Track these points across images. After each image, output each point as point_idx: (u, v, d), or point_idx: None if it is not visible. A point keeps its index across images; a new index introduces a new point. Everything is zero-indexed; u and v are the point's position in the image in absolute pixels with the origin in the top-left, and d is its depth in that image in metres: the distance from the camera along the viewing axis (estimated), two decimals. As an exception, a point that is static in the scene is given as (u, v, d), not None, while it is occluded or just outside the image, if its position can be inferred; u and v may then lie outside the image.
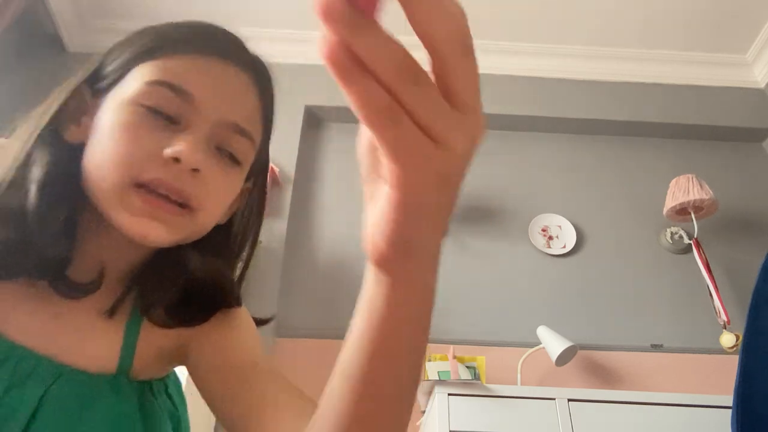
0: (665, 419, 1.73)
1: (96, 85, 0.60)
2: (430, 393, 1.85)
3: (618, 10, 2.85)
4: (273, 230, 2.42)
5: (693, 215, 2.45)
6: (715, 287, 2.27)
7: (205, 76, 0.58)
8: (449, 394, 1.75)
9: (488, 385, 1.79)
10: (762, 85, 3.01)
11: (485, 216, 2.64)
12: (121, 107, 0.55)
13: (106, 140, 0.54)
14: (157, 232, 0.54)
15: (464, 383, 1.81)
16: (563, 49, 3.01)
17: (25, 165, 0.54)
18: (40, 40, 2.92)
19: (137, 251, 0.60)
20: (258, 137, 0.63)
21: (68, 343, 0.54)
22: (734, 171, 2.83)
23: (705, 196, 2.39)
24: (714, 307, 2.25)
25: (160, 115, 0.55)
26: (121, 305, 0.59)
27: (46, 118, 0.56)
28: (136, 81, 0.56)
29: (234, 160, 0.59)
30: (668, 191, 2.50)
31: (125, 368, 0.57)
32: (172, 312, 0.60)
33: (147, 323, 0.60)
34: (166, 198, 0.54)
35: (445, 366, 2.05)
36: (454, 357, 2.08)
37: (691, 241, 2.45)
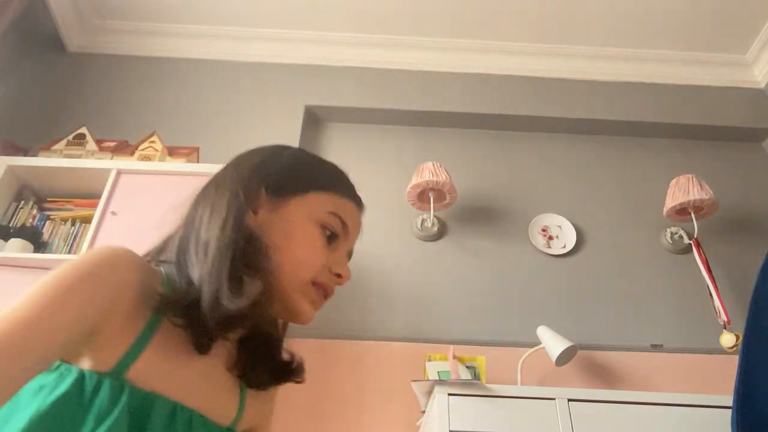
0: (665, 419, 1.73)
1: (271, 186, 0.76)
2: (430, 393, 1.85)
3: (618, 10, 2.85)
4: (273, 230, 2.42)
5: (693, 215, 2.45)
6: (715, 287, 2.27)
7: (353, 218, 0.83)
8: (449, 394, 1.75)
9: (488, 385, 1.79)
10: (762, 85, 3.01)
11: (485, 216, 2.64)
12: (312, 225, 0.76)
13: (305, 247, 0.75)
14: (312, 316, 0.77)
15: (464, 383, 1.81)
16: (563, 49, 3.01)
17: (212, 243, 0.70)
18: (40, 40, 2.92)
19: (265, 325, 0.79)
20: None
21: (211, 401, 0.70)
22: (734, 171, 2.83)
23: (705, 196, 2.39)
24: (714, 307, 2.25)
25: (331, 237, 0.77)
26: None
27: (233, 203, 0.73)
28: (320, 206, 0.77)
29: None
30: (668, 191, 2.50)
31: (237, 422, 0.75)
32: (271, 374, 0.80)
33: (249, 391, 0.78)
34: (326, 296, 0.78)
35: (445, 366, 2.05)
36: (454, 357, 2.08)
37: (691, 241, 2.45)
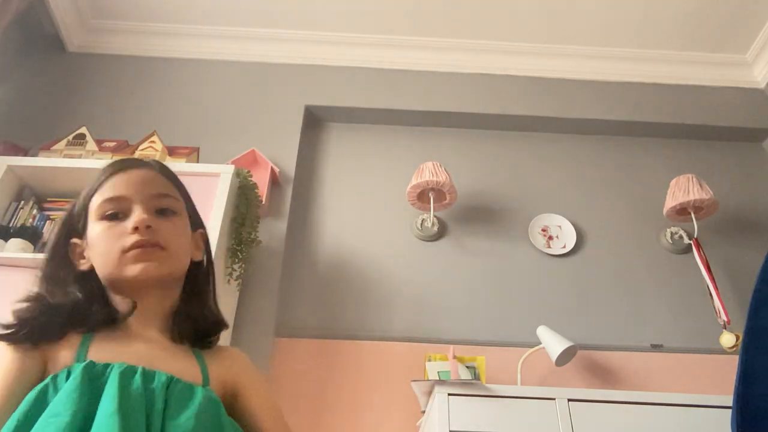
0: (665, 419, 1.73)
1: (77, 231, 0.90)
2: (430, 393, 1.85)
3: (618, 10, 2.85)
4: (273, 230, 2.42)
5: (693, 215, 2.46)
6: (715, 287, 2.27)
7: (128, 181, 0.90)
8: (449, 394, 1.75)
9: (488, 385, 1.79)
10: (762, 85, 3.01)
11: (485, 216, 2.64)
12: (93, 226, 0.87)
13: (98, 248, 0.86)
14: (152, 268, 0.85)
15: (464, 383, 1.81)
16: (563, 49, 3.01)
17: (69, 292, 0.85)
18: (40, 40, 2.92)
19: (159, 291, 0.88)
20: (180, 197, 0.95)
21: (166, 362, 0.82)
22: (734, 171, 2.83)
23: (705, 196, 2.39)
24: (714, 307, 2.25)
25: (116, 216, 0.87)
26: (179, 341, 0.89)
27: (66, 270, 0.88)
28: (93, 208, 0.89)
29: (172, 212, 0.91)
30: (668, 191, 2.50)
31: (206, 382, 0.85)
32: (193, 340, 0.91)
33: (206, 356, 0.89)
34: (146, 247, 0.85)
35: (445, 366, 2.05)
36: (454, 357, 2.08)
37: (691, 241, 2.45)
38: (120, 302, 0.86)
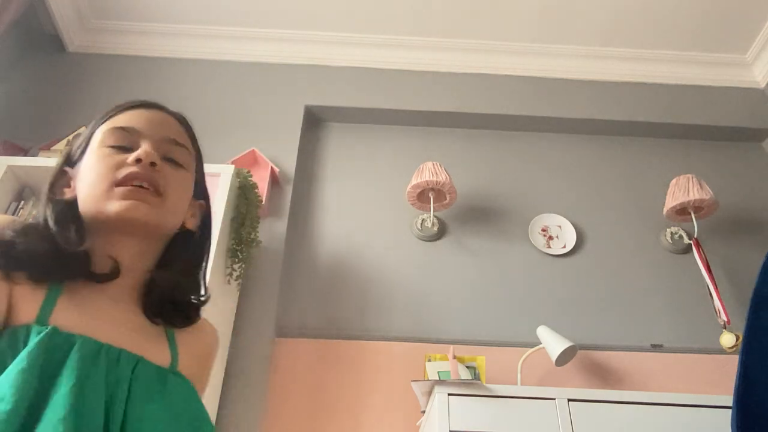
0: (665, 419, 1.73)
1: (72, 160, 0.83)
2: (430, 393, 1.85)
3: (618, 10, 2.85)
4: (273, 230, 2.42)
5: (693, 215, 2.46)
6: (715, 287, 2.27)
7: (144, 117, 0.83)
8: (449, 394, 1.75)
9: (488, 385, 1.79)
10: (762, 85, 3.01)
11: (485, 216, 2.64)
12: (91, 154, 0.79)
13: (88, 173, 0.78)
14: (140, 209, 0.75)
15: (464, 383, 1.81)
16: (563, 49, 3.01)
17: (44, 219, 0.77)
18: (40, 40, 2.92)
19: (138, 244, 0.79)
20: (192, 152, 0.87)
21: (133, 340, 0.74)
22: (734, 171, 2.83)
23: (705, 196, 2.39)
24: (714, 307, 2.25)
25: (120, 148, 0.79)
26: (152, 315, 0.80)
27: (47, 194, 0.79)
28: (100, 135, 0.81)
29: (179, 164, 0.83)
30: (668, 191, 2.50)
31: (175, 365, 0.78)
32: (164, 316, 0.81)
33: (178, 334, 0.82)
34: (140, 186, 0.76)
35: (445, 366, 2.05)
36: (454, 357, 2.08)
37: (691, 241, 2.45)
38: (98, 256, 0.75)
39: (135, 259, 0.79)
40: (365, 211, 2.61)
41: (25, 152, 2.41)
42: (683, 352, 2.28)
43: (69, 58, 2.96)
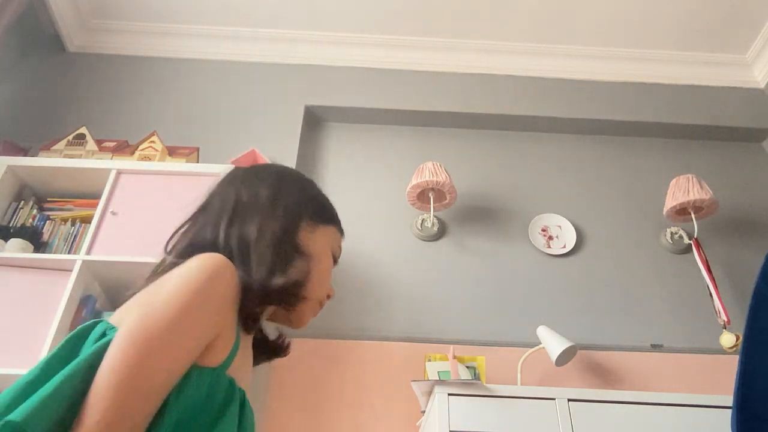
0: (665, 419, 1.73)
1: (309, 214, 0.96)
2: (430, 393, 1.85)
3: (618, 10, 2.85)
4: (273, 230, 2.42)
5: (693, 215, 2.45)
6: (715, 287, 2.27)
7: (341, 249, 1.03)
8: (449, 394, 1.75)
9: (488, 385, 1.79)
10: (762, 85, 3.01)
11: (485, 216, 2.64)
12: (328, 253, 0.98)
13: (326, 272, 0.96)
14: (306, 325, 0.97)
15: (464, 383, 1.81)
16: (563, 49, 3.01)
17: (276, 258, 0.88)
18: (40, 40, 2.92)
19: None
20: None
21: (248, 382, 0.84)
22: (734, 171, 2.83)
23: (705, 196, 2.39)
24: (714, 307, 2.25)
25: (333, 261, 0.99)
26: None
27: (291, 237, 0.92)
28: (333, 239, 1.00)
29: None
30: (668, 191, 2.50)
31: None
32: (267, 353, 1.00)
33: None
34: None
35: (445, 366, 2.05)
36: (454, 357, 2.08)
37: (691, 241, 2.45)
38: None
39: None
40: (365, 211, 2.60)
41: (25, 152, 2.41)
42: (683, 352, 2.28)
43: (69, 58, 2.96)
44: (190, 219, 0.91)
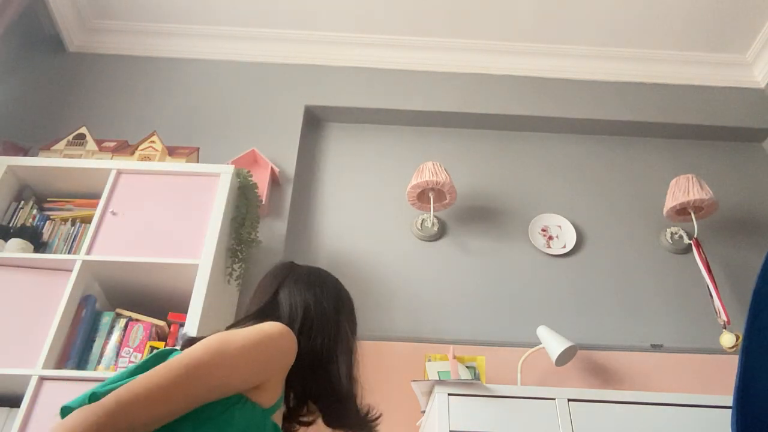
0: (665, 419, 1.73)
1: (351, 326, 1.25)
2: (430, 393, 1.85)
3: (618, 10, 2.85)
4: (273, 230, 2.42)
5: (693, 215, 2.46)
6: (715, 287, 2.27)
7: None
8: (449, 394, 1.75)
9: (488, 385, 1.79)
10: (762, 85, 3.01)
11: (485, 216, 2.64)
12: (357, 364, 1.23)
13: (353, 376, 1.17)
14: None
15: (464, 383, 1.81)
16: (563, 49, 3.01)
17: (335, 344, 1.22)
18: (40, 40, 2.92)
19: None
20: None
21: None
22: (734, 171, 2.83)
23: (705, 196, 2.39)
24: (714, 307, 2.25)
25: None
26: None
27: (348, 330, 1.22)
28: (355, 351, 1.23)
29: None
30: (668, 191, 2.50)
31: None
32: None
33: None
34: None
35: (445, 366, 2.05)
36: (454, 357, 2.08)
37: (691, 241, 2.45)
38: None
39: None
40: (365, 211, 2.61)
41: (25, 152, 2.41)
42: (683, 352, 2.28)
43: (69, 58, 2.96)
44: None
